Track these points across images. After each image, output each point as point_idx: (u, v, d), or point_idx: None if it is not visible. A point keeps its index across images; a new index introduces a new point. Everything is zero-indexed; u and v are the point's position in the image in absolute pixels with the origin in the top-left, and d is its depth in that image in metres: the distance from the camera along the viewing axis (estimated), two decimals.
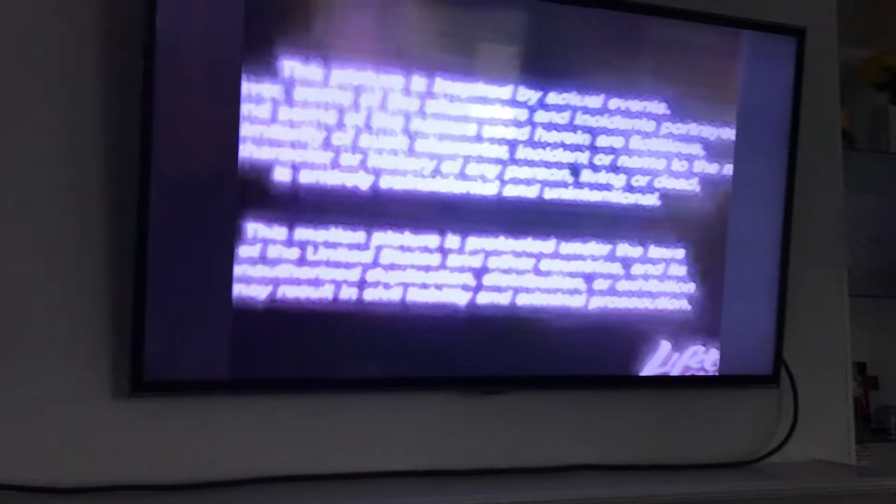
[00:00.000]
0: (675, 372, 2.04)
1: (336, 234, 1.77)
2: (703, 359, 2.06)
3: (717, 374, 2.07)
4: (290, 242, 1.74)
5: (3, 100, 1.67)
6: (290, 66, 1.73)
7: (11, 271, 1.66)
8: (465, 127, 1.85)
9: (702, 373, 2.06)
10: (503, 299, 1.90)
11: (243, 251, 1.71)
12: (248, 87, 1.69)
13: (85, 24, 1.70)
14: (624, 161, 1.97)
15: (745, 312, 2.08)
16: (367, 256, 1.80)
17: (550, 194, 1.92)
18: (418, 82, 1.81)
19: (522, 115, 1.89)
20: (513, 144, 1.89)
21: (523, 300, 1.91)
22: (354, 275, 1.79)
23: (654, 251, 2.00)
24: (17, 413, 1.65)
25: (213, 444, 1.76)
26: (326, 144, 1.76)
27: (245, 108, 1.70)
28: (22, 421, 1.66)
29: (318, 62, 1.74)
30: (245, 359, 1.73)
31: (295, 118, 1.74)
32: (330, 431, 1.84)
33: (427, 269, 1.84)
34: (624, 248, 1.98)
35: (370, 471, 1.86)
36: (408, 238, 1.82)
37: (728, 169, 2.05)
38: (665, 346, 2.03)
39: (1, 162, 1.67)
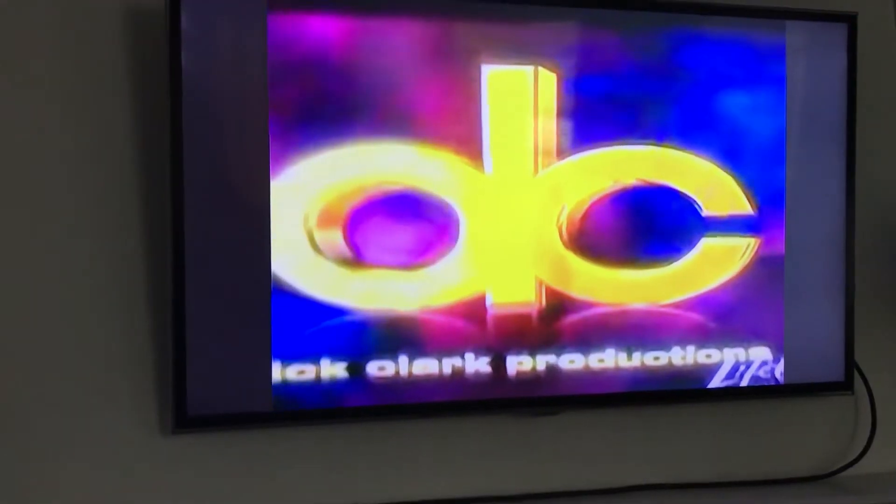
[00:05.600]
0: (744, 383, 1.94)
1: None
2: (772, 367, 1.96)
3: (783, 383, 1.97)
4: None
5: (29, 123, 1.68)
6: None
7: (56, 315, 1.68)
8: None
9: (772, 382, 1.96)
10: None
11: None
12: None
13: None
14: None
15: (810, 316, 1.98)
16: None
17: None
18: None
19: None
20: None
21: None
22: None
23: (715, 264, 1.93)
24: (66, 452, 1.68)
25: (260, 476, 1.76)
26: None
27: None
28: (70, 459, 1.68)
29: None
30: (287, 390, 1.71)
31: None
32: (378, 460, 1.81)
33: None
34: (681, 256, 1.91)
35: (423, 499, 1.82)
36: None
37: (780, 167, 1.95)
38: (730, 355, 1.94)
39: (36, 203, 1.68)
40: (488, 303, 1.80)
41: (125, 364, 1.70)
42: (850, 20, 1.99)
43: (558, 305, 1.84)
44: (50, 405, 1.67)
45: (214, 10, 1.67)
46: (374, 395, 1.76)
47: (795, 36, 1.95)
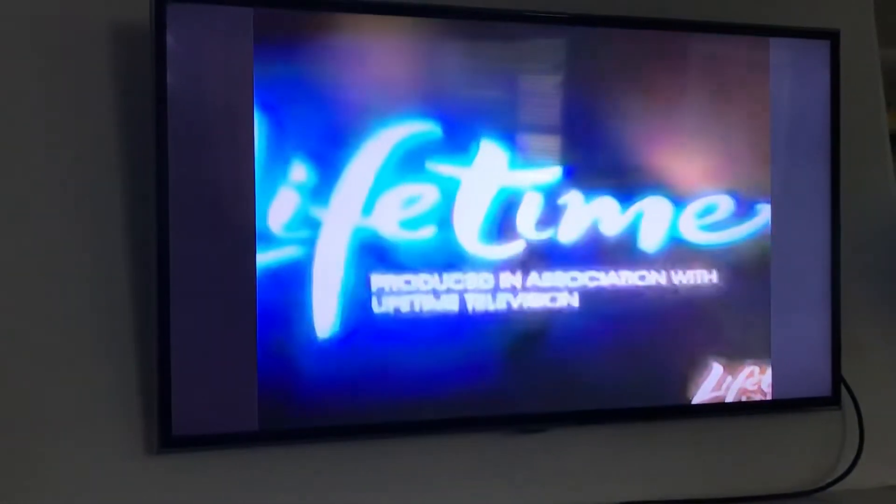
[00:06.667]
0: (731, 396, 1.95)
1: None
2: (759, 380, 1.97)
3: (771, 397, 1.97)
4: None
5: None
6: None
7: (40, 334, 1.67)
8: None
9: (759, 395, 1.97)
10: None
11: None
12: None
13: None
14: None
15: (796, 330, 1.99)
16: None
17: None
18: None
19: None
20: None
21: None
22: None
23: (696, 272, 1.93)
24: (50, 472, 1.67)
25: (247, 495, 1.75)
26: None
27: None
28: (54, 480, 1.66)
29: None
30: (273, 409, 1.71)
31: None
32: (363, 478, 1.80)
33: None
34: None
35: None
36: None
37: (766, 183, 1.96)
38: (717, 368, 1.95)
39: (18, 222, 1.68)
40: None
41: (109, 383, 1.69)
42: (832, 37, 2.00)
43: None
44: (33, 425, 1.66)
45: (200, 28, 1.67)
46: (360, 414, 1.75)
47: (779, 52, 1.97)
